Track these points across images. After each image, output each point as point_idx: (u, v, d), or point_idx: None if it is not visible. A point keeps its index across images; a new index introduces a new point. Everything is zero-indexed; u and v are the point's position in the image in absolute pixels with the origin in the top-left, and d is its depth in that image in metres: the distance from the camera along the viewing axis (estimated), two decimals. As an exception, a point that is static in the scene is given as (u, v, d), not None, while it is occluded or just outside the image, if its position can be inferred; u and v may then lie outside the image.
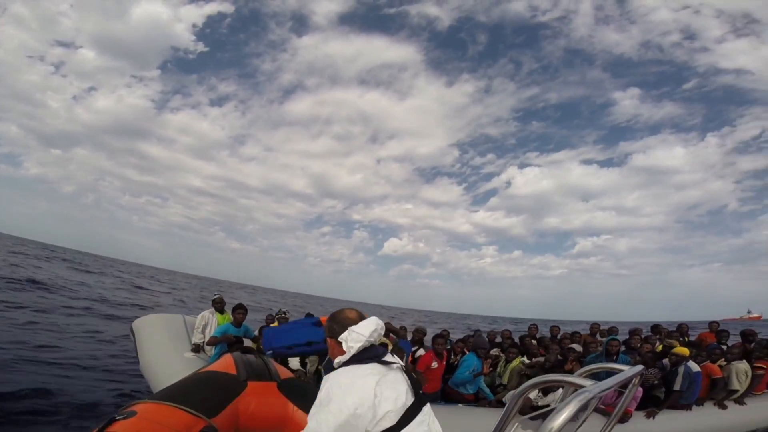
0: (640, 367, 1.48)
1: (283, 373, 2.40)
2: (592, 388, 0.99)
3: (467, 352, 5.08)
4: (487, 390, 5.03)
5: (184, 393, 1.85)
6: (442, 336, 5.03)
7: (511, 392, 4.74)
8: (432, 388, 4.73)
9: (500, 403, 4.78)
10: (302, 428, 1.39)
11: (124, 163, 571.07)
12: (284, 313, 6.19)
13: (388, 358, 1.52)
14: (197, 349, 5.00)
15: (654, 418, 4.61)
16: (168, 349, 4.99)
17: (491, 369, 4.69)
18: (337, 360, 1.51)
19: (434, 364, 4.70)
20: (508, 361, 5.42)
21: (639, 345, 5.40)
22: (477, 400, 4.92)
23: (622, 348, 5.18)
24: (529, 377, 4.74)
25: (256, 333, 5.32)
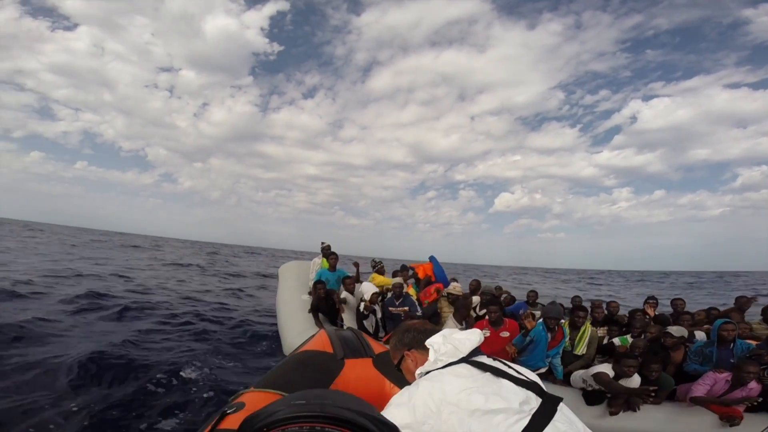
0: None
1: (377, 347, 2.26)
2: None
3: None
4: (559, 366, 4.13)
5: (286, 379, 1.83)
6: (494, 299, 4.26)
7: (579, 372, 3.87)
8: None
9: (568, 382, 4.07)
10: None
11: (250, 165, 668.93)
12: (380, 262, 6.48)
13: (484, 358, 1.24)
14: (313, 291, 5.75)
15: None
16: (293, 292, 5.95)
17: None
18: (419, 370, 1.26)
19: (485, 332, 3.99)
20: (574, 327, 4.27)
21: None
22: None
23: None
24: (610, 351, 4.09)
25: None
